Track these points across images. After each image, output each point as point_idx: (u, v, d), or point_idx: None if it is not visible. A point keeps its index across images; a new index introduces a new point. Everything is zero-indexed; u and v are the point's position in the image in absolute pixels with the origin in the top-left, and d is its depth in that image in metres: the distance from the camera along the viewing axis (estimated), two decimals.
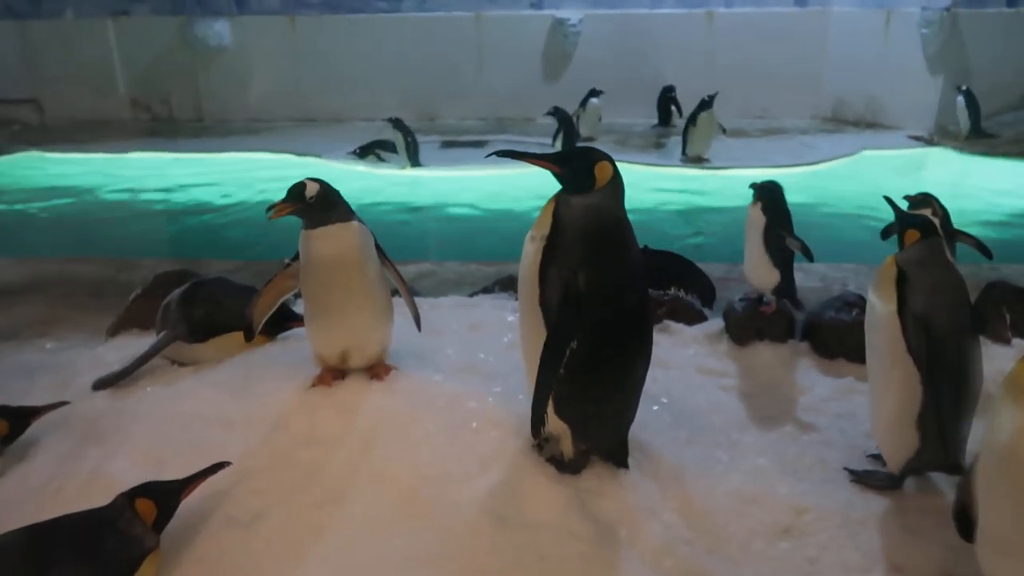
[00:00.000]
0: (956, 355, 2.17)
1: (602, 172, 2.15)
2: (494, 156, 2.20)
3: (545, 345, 2.10)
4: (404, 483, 2.25)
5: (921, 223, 2.30)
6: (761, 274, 3.29)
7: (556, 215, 2.15)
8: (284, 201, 2.39)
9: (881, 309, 2.24)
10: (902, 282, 2.20)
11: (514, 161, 2.18)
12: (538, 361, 2.17)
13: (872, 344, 2.33)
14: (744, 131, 10.01)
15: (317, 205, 2.42)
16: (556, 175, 2.18)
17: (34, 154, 9.46)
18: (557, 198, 2.19)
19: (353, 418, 2.47)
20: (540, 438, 2.17)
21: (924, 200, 3.27)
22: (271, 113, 11.34)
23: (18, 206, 7.76)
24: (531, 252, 2.16)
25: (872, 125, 10.35)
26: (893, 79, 10.01)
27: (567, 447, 2.30)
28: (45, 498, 2.26)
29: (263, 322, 2.99)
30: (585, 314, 2.09)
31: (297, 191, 2.40)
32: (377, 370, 2.65)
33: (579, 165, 2.16)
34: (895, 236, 2.37)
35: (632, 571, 2.02)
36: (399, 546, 2.07)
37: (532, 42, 11.21)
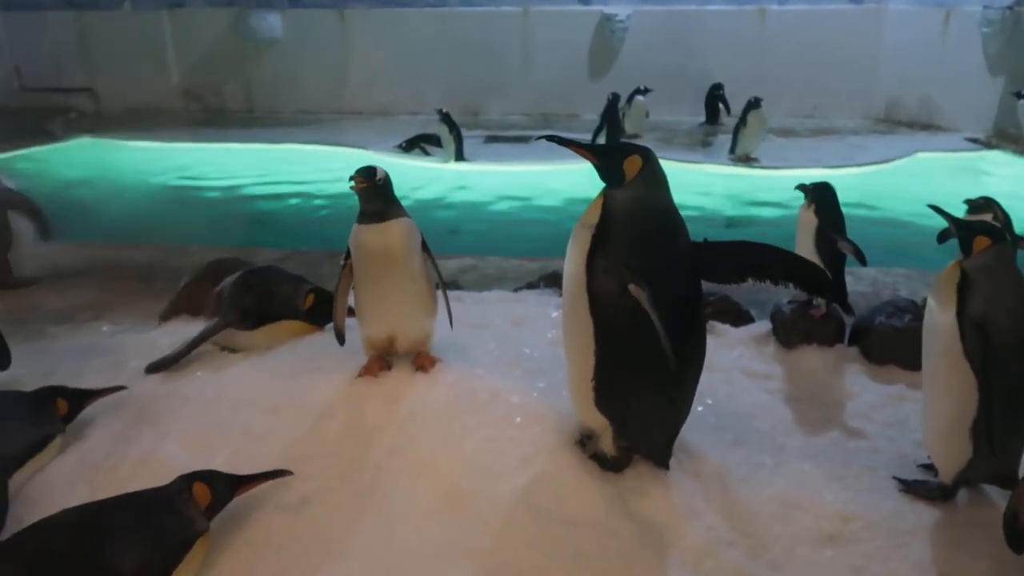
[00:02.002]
0: (1016, 363, 2.11)
1: (631, 166, 2.15)
2: (543, 139, 2.28)
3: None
4: (445, 475, 2.27)
5: (991, 229, 2.23)
6: None
7: (605, 206, 2.16)
8: (361, 176, 2.52)
9: (940, 313, 2.18)
10: (964, 287, 2.14)
11: (559, 155, 2.23)
12: (577, 352, 2.22)
13: (929, 349, 2.28)
14: (793, 131, 9.84)
15: (382, 188, 2.56)
16: (594, 167, 2.21)
17: (89, 141, 9.71)
18: (605, 190, 2.20)
19: (398, 409, 2.50)
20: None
21: (985, 204, 3.18)
22: (319, 105, 11.48)
23: (74, 192, 7.99)
24: (580, 241, 2.16)
25: (927, 127, 10.07)
26: (950, 79, 9.73)
27: (607, 444, 2.30)
28: (100, 476, 2.33)
29: (309, 311, 3.09)
30: (630, 303, 2.06)
31: (369, 171, 2.55)
32: (422, 361, 2.68)
33: (611, 159, 2.18)
34: (952, 240, 2.32)
35: (672, 572, 2.02)
36: (439, 537, 2.09)
37: (579, 37, 11.15)
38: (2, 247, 4.18)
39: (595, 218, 2.15)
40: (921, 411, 2.39)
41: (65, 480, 2.35)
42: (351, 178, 2.52)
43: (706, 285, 2.31)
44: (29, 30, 11.76)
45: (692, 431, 2.48)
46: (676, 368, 2.05)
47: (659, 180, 2.19)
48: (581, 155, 2.19)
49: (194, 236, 5.85)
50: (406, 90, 11.26)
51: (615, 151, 2.22)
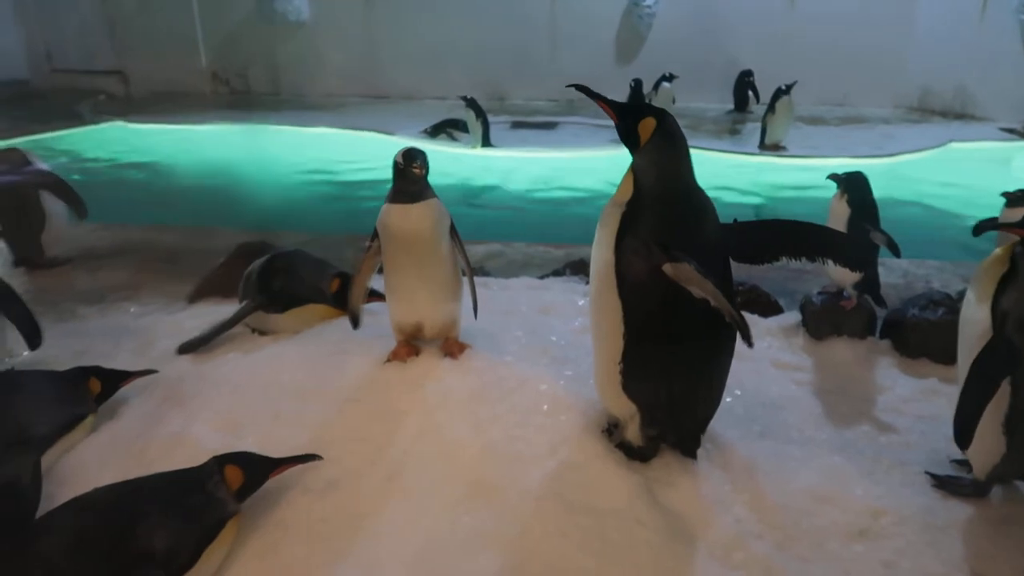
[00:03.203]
0: None
1: (644, 129, 2.11)
2: (573, 88, 2.25)
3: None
4: (472, 461, 2.27)
5: None
6: (843, 268, 3.18)
7: (636, 181, 2.12)
8: (421, 163, 2.50)
9: (977, 305, 2.14)
10: (1009, 277, 2.09)
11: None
12: (605, 336, 2.18)
13: (965, 341, 2.23)
14: (823, 119, 9.71)
15: (425, 175, 2.54)
16: (615, 126, 2.18)
17: (119, 124, 9.80)
18: (632, 164, 2.16)
19: (425, 394, 2.50)
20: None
21: (1023, 197, 3.11)
22: (345, 89, 11.51)
23: (104, 174, 8.08)
24: (610, 220, 2.12)
25: (961, 116, 9.89)
26: (986, 68, 9.53)
27: (634, 432, 2.28)
28: (131, 456, 2.36)
29: (335, 295, 3.10)
30: (660, 284, 2.03)
31: (423, 155, 2.54)
32: (451, 347, 2.69)
33: (627, 119, 2.14)
34: (988, 233, 2.27)
35: (700, 563, 2.00)
36: (466, 523, 2.09)
37: (606, 23, 11.07)
38: (36, 228, 4.23)
39: (627, 195, 2.11)
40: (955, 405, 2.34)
41: (96, 459, 2.38)
42: (409, 165, 2.49)
43: (735, 275, 2.28)
44: (60, 13, 11.88)
45: (720, 422, 2.45)
46: (744, 330, 1.99)
47: (675, 144, 2.12)
48: (605, 110, 2.16)
49: (219, 219, 5.90)
50: (432, 74, 11.25)
51: (632, 111, 2.16)
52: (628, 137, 2.15)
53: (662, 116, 2.13)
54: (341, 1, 11.52)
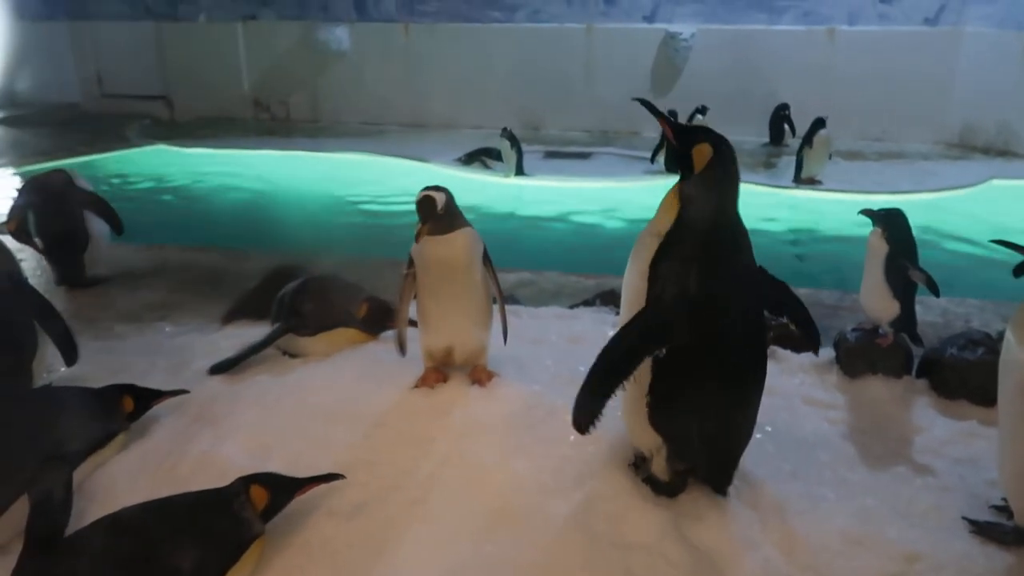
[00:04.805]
0: None
1: (699, 156, 2.06)
2: (637, 102, 2.28)
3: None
4: (498, 490, 2.26)
5: None
6: (879, 305, 3.13)
7: (680, 211, 2.08)
8: (423, 223, 2.49)
9: (1018, 347, 2.08)
10: None
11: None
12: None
13: (1004, 384, 2.17)
14: (861, 154, 9.61)
15: (445, 213, 2.54)
16: (669, 143, 2.18)
17: (161, 147, 10.05)
18: (681, 192, 2.11)
19: (452, 421, 2.51)
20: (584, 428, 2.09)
21: None
22: (383, 117, 11.67)
23: (146, 196, 8.27)
24: (645, 250, 2.11)
25: (1003, 153, 9.71)
26: None
27: (660, 466, 2.24)
28: (161, 474, 2.38)
29: (364, 319, 3.12)
30: (694, 317, 2.02)
31: (429, 208, 2.50)
32: (479, 374, 2.69)
33: (683, 142, 2.10)
34: None
35: None
36: (490, 552, 2.08)
37: (642, 55, 11.10)
38: (79, 247, 4.33)
39: (667, 225, 2.08)
40: (997, 450, 2.28)
41: (127, 476, 2.41)
42: (430, 208, 2.49)
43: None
44: (111, 39, 12.29)
45: (750, 459, 2.41)
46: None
47: (728, 176, 2.08)
48: (662, 126, 2.16)
49: (256, 241, 5.99)
50: (469, 104, 11.38)
51: (688, 134, 2.12)
52: (681, 160, 2.11)
53: (719, 144, 2.08)
54: (381, 32, 11.75)
